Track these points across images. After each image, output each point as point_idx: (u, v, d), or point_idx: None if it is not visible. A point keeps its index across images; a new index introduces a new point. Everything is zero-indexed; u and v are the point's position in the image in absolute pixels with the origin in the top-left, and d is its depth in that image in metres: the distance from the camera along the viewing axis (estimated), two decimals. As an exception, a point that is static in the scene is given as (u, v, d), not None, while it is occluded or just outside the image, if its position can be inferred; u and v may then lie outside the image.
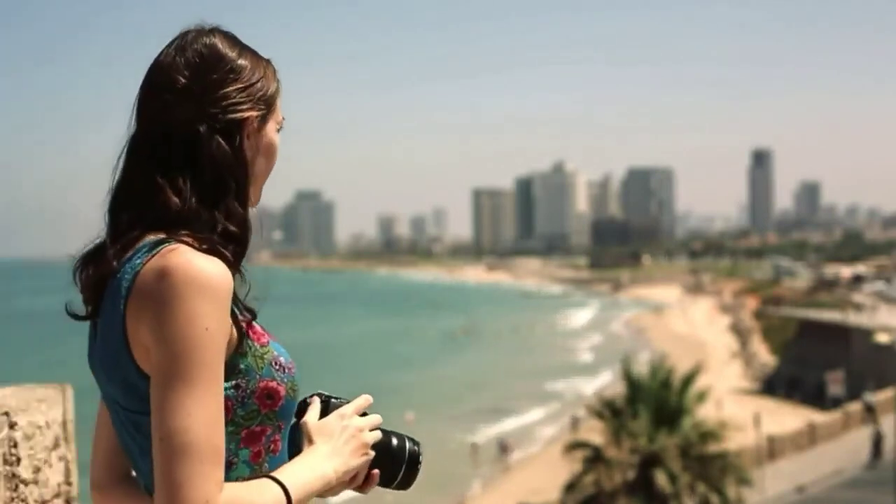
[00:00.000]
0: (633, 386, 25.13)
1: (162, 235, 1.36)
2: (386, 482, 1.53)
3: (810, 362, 52.67)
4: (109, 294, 1.37)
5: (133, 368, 1.34)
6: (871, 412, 39.22)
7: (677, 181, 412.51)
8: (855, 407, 39.91)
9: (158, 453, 1.26)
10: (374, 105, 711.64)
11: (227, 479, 1.33)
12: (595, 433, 25.67)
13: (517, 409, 48.41)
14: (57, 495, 2.35)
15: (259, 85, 1.46)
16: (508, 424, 44.90)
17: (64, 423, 2.41)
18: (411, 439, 1.56)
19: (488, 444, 40.11)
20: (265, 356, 1.40)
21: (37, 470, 2.26)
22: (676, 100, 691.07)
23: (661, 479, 22.45)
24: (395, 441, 1.54)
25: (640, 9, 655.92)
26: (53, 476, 2.34)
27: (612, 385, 40.75)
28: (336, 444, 1.45)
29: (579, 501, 23.67)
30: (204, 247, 1.34)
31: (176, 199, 1.36)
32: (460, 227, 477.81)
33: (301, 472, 1.39)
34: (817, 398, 46.82)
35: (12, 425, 2.18)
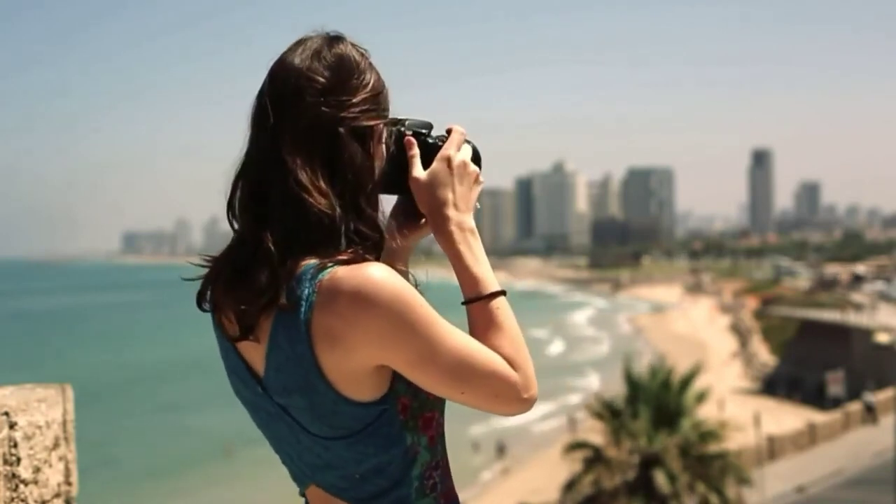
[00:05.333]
0: (634, 386, 25.13)
1: (316, 260, 1.38)
2: None
3: (810, 362, 52.66)
4: (280, 326, 1.38)
5: (331, 395, 1.37)
6: (871, 412, 39.25)
7: (677, 181, 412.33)
8: (855, 407, 39.93)
9: (471, 394, 1.41)
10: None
11: (413, 466, 1.44)
12: (595, 433, 25.65)
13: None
14: (57, 495, 2.35)
15: (383, 95, 1.51)
16: (508, 424, 44.79)
17: (64, 423, 2.41)
18: (468, 140, 1.61)
19: (488, 444, 40.07)
20: None
21: (37, 470, 2.25)
22: (676, 100, 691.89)
23: (660, 479, 22.46)
24: (473, 145, 1.61)
25: (641, 9, 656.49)
26: (53, 476, 2.33)
27: (611, 385, 40.68)
28: (457, 196, 1.55)
29: (579, 501, 23.67)
30: (353, 257, 1.39)
31: (322, 200, 1.39)
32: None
33: (480, 255, 1.55)
34: (817, 398, 46.84)
35: (12, 425, 2.18)
